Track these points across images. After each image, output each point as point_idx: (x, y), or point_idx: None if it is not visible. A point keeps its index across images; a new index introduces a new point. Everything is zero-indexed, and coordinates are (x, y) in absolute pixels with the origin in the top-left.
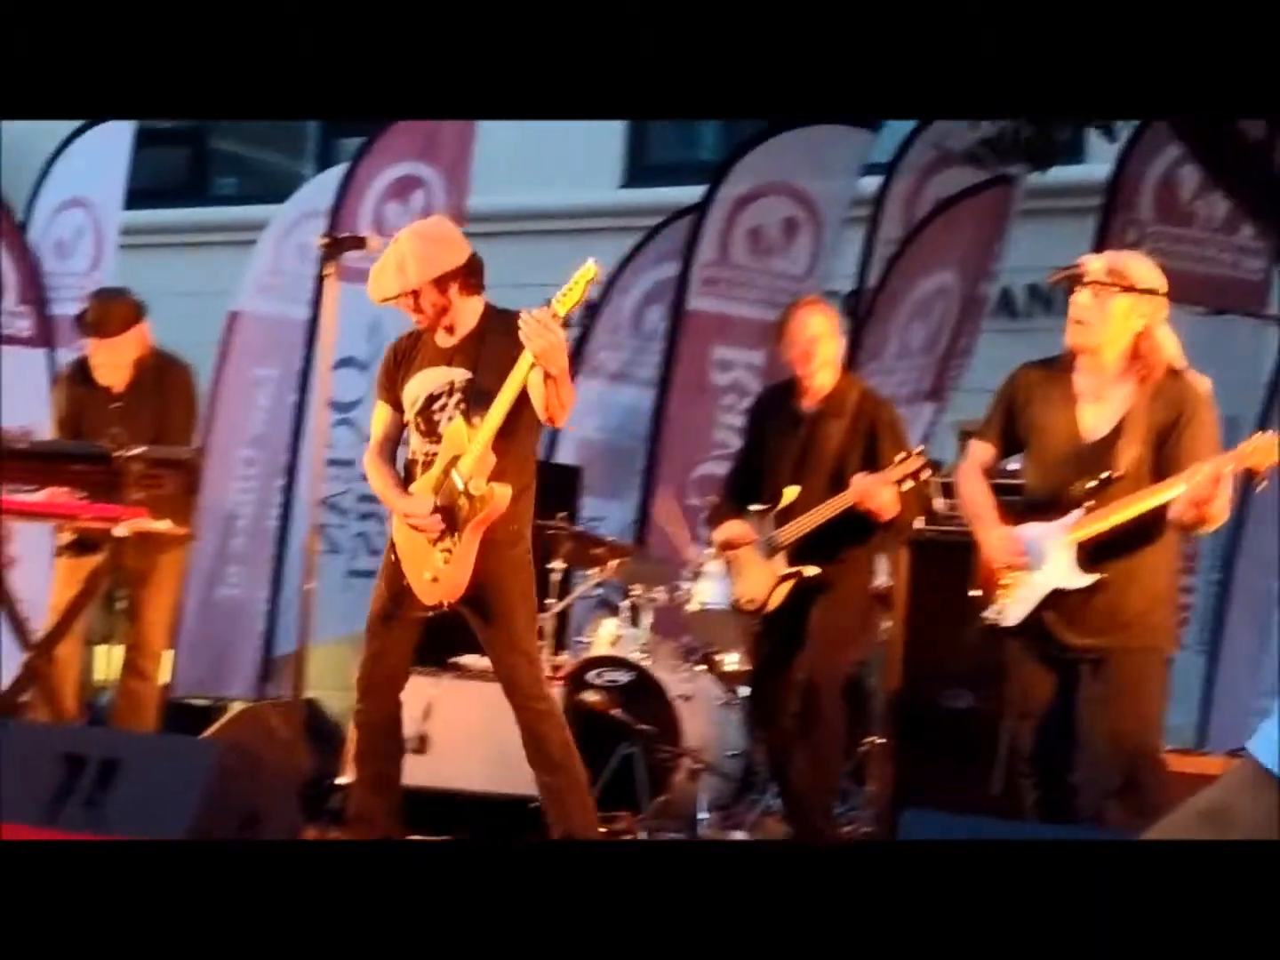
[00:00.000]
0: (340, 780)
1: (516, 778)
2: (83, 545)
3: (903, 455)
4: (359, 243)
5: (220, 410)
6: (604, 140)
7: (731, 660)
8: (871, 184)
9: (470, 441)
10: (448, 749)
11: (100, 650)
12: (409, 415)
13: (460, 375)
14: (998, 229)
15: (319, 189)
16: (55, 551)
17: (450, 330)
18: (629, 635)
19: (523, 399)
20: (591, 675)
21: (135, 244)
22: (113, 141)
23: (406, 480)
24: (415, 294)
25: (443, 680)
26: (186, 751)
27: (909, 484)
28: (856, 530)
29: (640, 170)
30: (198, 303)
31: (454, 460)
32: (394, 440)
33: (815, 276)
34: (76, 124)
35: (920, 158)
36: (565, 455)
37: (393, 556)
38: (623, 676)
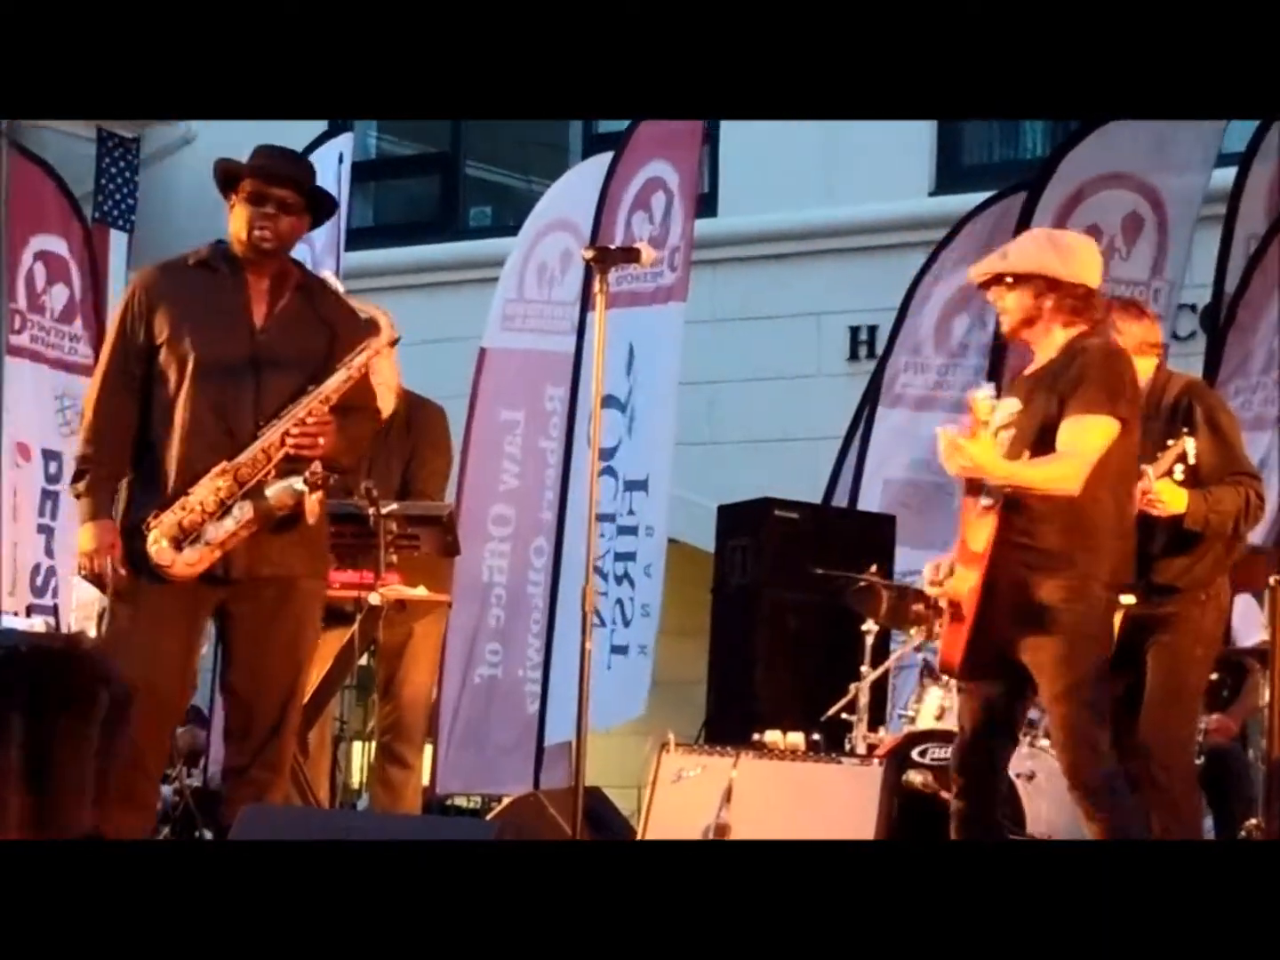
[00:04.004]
0: None
1: None
2: (332, 616)
3: (1171, 443)
4: (631, 255)
5: (470, 462)
6: (911, 141)
7: None
8: (1226, 176)
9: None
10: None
11: (355, 748)
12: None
13: (1019, 406)
14: None
15: (554, 201)
16: None
17: (1041, 353)
18: (958, 706)
19: None
20: (916, 753)
21: (383, 286)
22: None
23: None
24: (1005, 285)
25: (743, 760)
26: (460, 832)
27: (1179, 472)
28: (1175, 547)
29: (954, 173)
30: (451, 348)
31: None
32: None
33: (1161, 279)
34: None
35: None
36: (869, 499)
37: None
38: None
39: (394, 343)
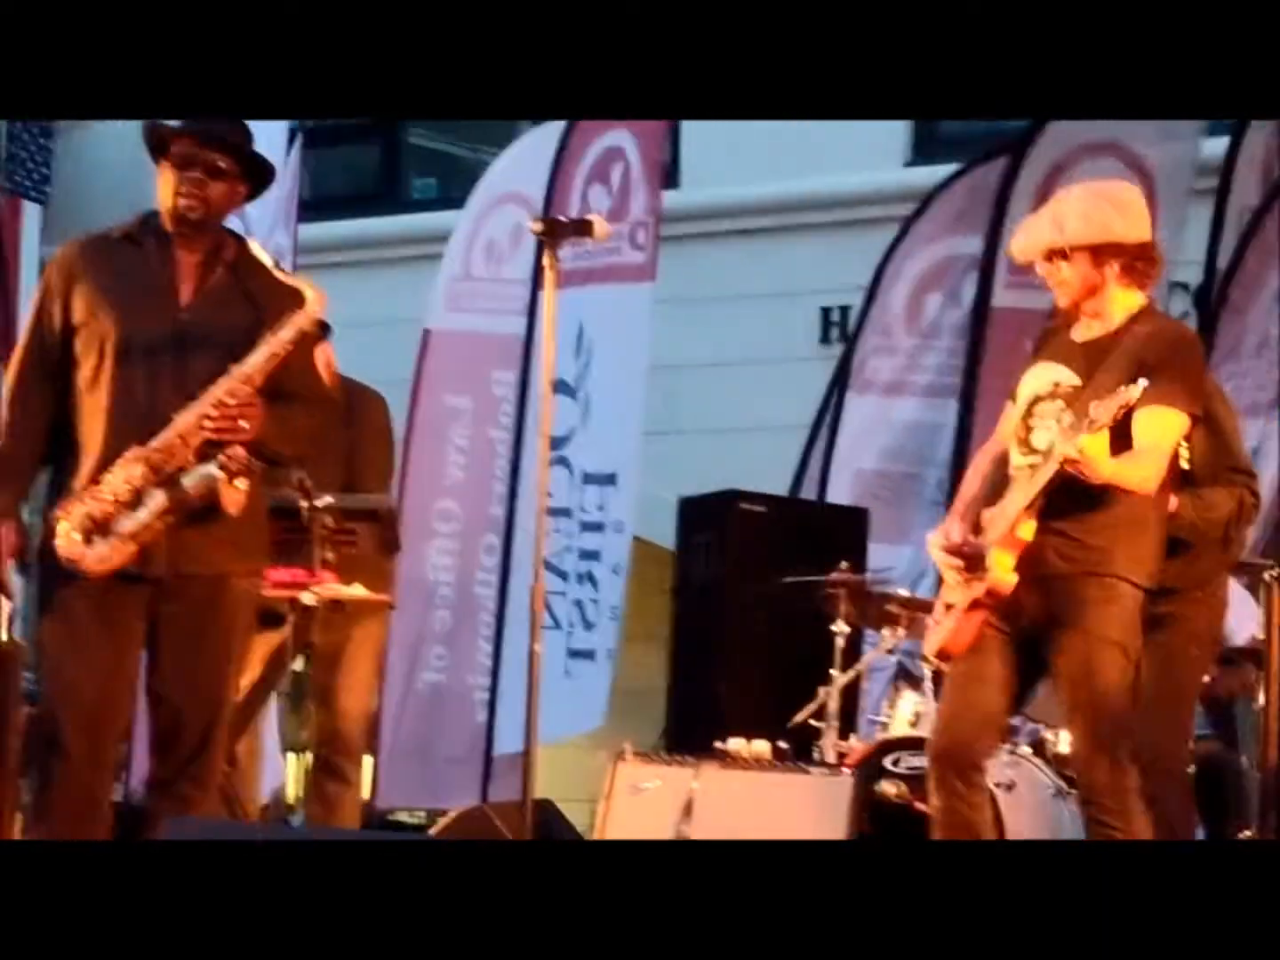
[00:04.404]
0: None
1: None
2: (263, 617)
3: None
4: (584, 228)
5: (413, 453)
6: None
7: (1064, 740)
8: (1218, 146)
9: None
10: None
11: (289, 760)
12: (1017, 418)
13: (1068, 377)
14: None
15: (503, 171)
16: None
17: (1094, 320)
18: (934, 711)
19: None
20: (889, 761)
21: (318, 264)
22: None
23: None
24: (1063, 257)
25: (705, 770)
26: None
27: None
28: (1170, 547)
29: (932, 143)
30: (391, 330)
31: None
32: (1001, 444)
33: None
34: None
35: None
36: (838, 491)
37: None
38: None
39: (324, 323)
